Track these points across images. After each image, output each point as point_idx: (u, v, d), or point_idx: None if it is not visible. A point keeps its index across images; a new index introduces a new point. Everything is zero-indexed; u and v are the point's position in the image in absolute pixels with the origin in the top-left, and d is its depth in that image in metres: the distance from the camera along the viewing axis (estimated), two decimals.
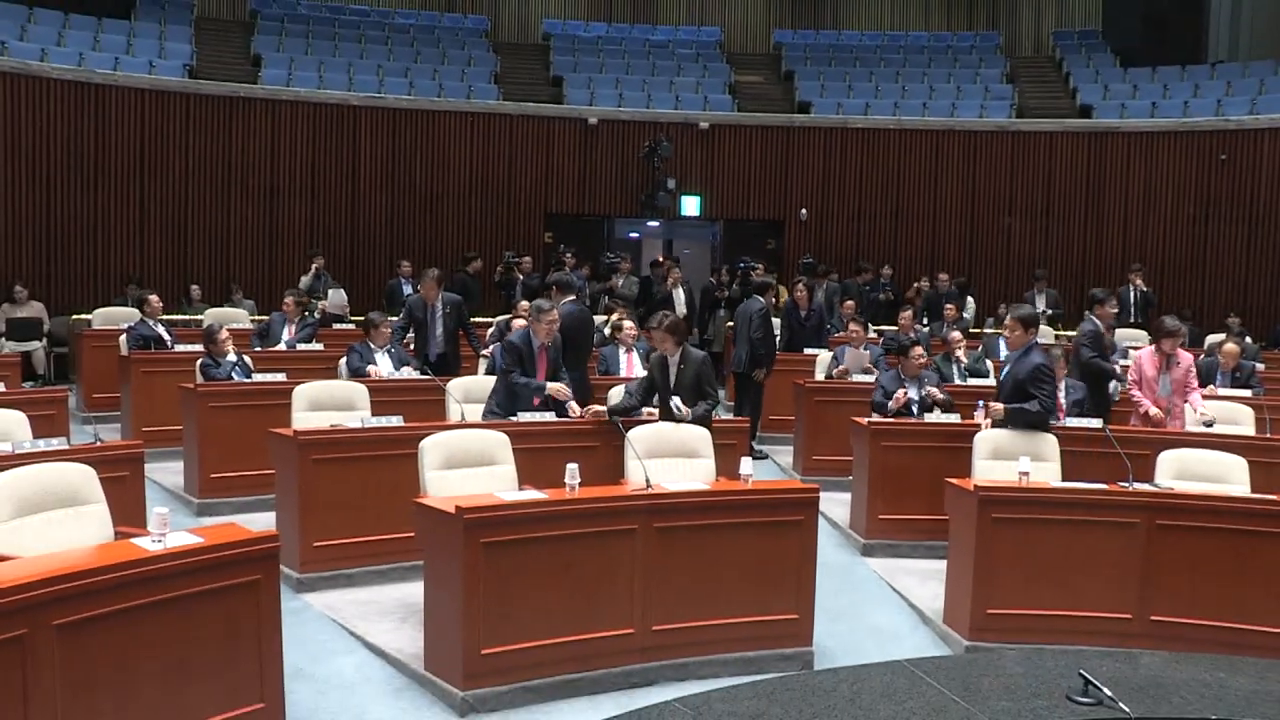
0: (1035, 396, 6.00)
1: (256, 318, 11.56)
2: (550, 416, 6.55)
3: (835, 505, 7.20)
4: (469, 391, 6.94)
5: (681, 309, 11.33)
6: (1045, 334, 11.91)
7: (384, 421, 6.14)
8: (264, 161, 14.18)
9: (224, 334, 7.92)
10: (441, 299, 8.67)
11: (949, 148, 15.55)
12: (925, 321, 12.64)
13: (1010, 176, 15.54)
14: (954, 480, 5.39)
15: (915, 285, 13.94)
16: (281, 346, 9.43)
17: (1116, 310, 8.42)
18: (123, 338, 9.22)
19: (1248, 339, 10.81)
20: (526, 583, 4.43)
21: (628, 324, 8.89)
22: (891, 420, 7.09)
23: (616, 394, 7.04)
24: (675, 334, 6.20)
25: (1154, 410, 6.97)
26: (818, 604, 5.01)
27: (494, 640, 4.36)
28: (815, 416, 8.35)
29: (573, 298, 7.81)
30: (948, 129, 15.63)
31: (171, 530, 3.71)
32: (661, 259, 13.54)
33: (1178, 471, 5.60)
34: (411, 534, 4.79)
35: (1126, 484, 5.20)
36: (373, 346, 8.11)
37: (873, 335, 10.43)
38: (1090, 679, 3.73)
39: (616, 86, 16.28)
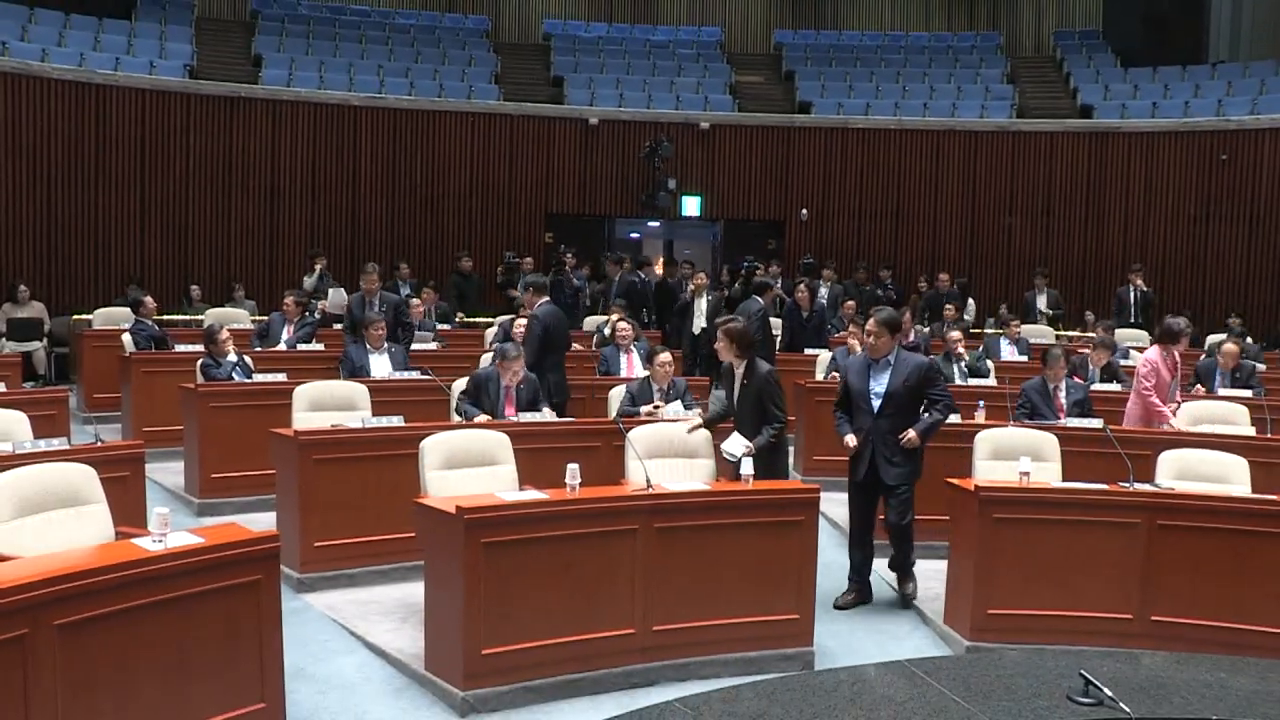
0: (934, 398, 5.60)
1: (257, 318, 11.56)
2: (550, 416, 6.57)
3: (835, 505, 7.17)
4: None
5: (700, 321, 10.14)
6: (1045, 334, 11.94)
7: (384, 421, 6.14)
8: (264, 162, 14.19)
9: (224, 334, 7.92)
10: (380, 297, 8.64)
11: (949, 148, 15.55)
12: (926, 319, 12.65)
13: (1011, 177, 15.54)
14: (954, 480, 5.39)
15: (918, 287, 13.91)
16: (281, 347, 9.42)
17: None
18: (126, 336, 9.22)
19: (1248, 339, 10.80)
20: (527, 583, 4.43)
21: (622, 325, 8.90)
22: None
23: (616, 395, 7.05)
24: (735, 340, 5.61)
25: (1174, 420, 7.02)
26: (818, 604, 5.01)
27: (494, 640, 4.36)
28: (816, 416, 8.34)
29: (547, 299, 7.74)
30: (948, 129, 15.64)
31: (172, 530, 3.72)
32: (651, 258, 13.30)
33: (1178, 471, 5.60)
34: (412, 534, 4.80)
35: (1127, 484, 5.20)
36: (368, 348, 8.09)
37: None
38: (1091, 679, 3.73)
39: (617, 87, 16.28)
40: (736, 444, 5.43)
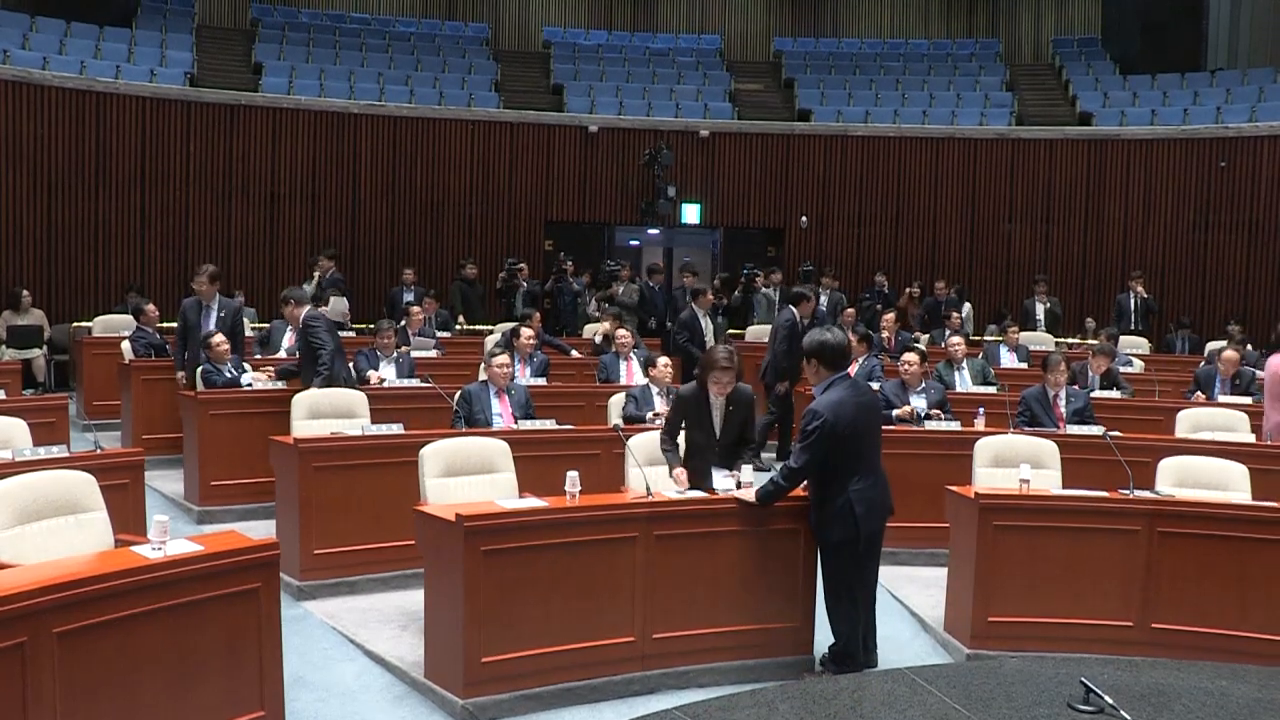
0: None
1: (257, 325, 11.54)
2: (551, 424, 6.58)
3: None
4: None
5: (709, 340, 9.60)
6: (1045, 341, 11.95)
7: (384, 429, 6.14)
8: (265, 169, 14.20)
9: (218, 339, 7.89)
10: (218, 301, 8.31)
11: (949, 155, 15.58)
12: (925, 325, 12.64)
13: (1010, 183, 15.56)
14: (955, 487, 5.39)
15: (908, 291, 13.80)
16: (282, 354, 9.41)
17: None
18: (125, 344, 9.22)
19: (1248, 346, 10.80)
20: (527, 590, 4.43)
21: (621, 332, 8.95)
22: (890, 427, 7.07)
23: (617, 402, 7.06)
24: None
25: None
26: (818, 612, 5.00)
27: (494, 648, 4.36)
28: None
29: (309, 307, 7.50)
30: (948, 136, 15.66)
31: (171, 538, 3.71)
32: (619, 262, 12.97)
33: (1178, 478, 5.59)
34: (412, 542, 4.80)
35: (1127, 491, 5.19)
36: (379, 354, 8.20)
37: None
38: (1092, 687, 3.73)
39: (617, 94, 16.31)
40: (725, 478, 4.96)
